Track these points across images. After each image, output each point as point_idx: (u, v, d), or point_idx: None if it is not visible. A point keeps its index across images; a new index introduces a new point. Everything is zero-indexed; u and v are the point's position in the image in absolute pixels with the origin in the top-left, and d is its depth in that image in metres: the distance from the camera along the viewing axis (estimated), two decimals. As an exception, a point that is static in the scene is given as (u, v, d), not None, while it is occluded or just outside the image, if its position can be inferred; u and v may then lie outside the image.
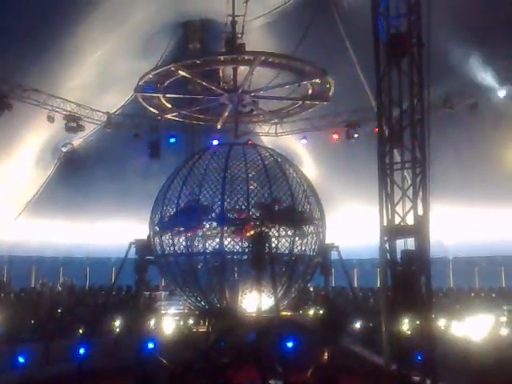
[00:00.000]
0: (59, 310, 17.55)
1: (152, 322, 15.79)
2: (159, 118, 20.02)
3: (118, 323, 16.35)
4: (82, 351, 12.88)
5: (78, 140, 22.36)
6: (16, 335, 14.20)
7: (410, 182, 10.51)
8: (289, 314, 14.13)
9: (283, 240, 13.06)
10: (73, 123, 20.59)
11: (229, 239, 12.92)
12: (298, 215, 12.97)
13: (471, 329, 13.62)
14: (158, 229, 13.50)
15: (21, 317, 15.61)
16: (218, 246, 12.81)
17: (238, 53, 15.44)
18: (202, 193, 13.14)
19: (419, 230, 10.15)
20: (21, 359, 11.70)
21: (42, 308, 17.49)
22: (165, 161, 20.48)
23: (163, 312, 16.32)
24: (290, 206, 12.98)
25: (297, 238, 13.05)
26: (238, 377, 11.44)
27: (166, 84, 17.45)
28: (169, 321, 15.21)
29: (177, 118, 19.98)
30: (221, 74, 18.10)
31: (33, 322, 15.79)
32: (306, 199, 13.44)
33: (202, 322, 14.59)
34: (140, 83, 17.08)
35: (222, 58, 15.66)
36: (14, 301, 18.15)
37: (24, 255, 22.27)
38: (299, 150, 22.92)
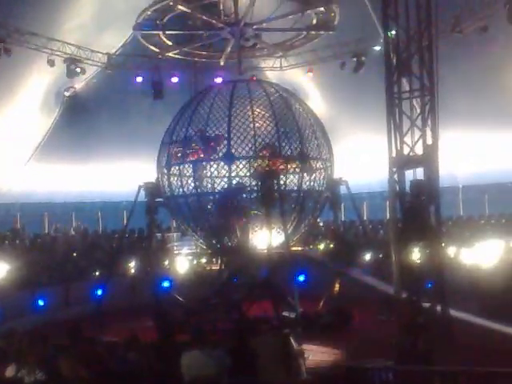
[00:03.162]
0: (74, 254, 17.95)
1: (166, 263, 16.16)
2: (160, 56, 19.68)
3: (133, 265, 16.78)
4: (99, 292, 13.26)
5: (80, 83, 22.10)
6: (34, 279, 14.62)
7: (418, 110, 10.39)
8: (299, 249, 14.39)
9: (291, 176, 13.11)
10: (73, 66, 20.24)
11: (237, 178, 13.00)
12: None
13: (481, 255, 13.82)
14: (166, 171, 13.57)
15: (37, 261, 16.03)
16: (226, 186, 12.88)
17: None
18: (208, 132, 13.11)
19: (428, 159, 10.15)
20: (40, 302, 12.08)
21: (58, 252, 17.90)
22: (169, 101, 20.22)
23: (176, 252, 16.67)
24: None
25: (305, 174, 13.07)
26: (252, 310, 11.78)
27: (165, 20, 17.01)
28: (182, 260, 15.56)
29: (178, 56, 19.60)
30: (221, 7, 17.57)
31: (50, 266, 16.20)
32: (313, 134, 13.37)
33: (214, 260, 14.91)
34: (138, 21, 16.65)
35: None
36: (29, 247, 18.54)
37: (35, 202, 22.54)
38: (305, 83, 22.52)
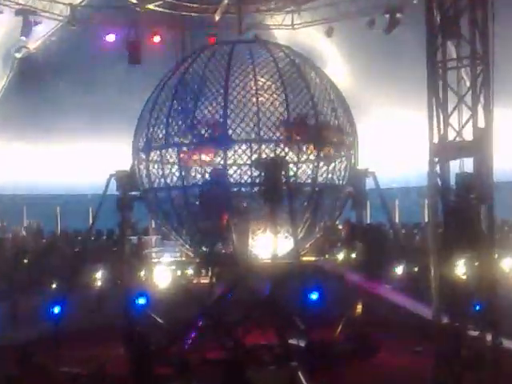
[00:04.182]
0: (25, 260, 18.03)
1: (142, 273, 16.24)
2: (138, 8, 19.69)
3: (99, 275, 16.85)
4: (56, 310, 13.32)
5: (34, 42, 22.12)
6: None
7: (468, 84, 10.38)
8: (312, 259, 14.42)
9: (304, 166, 13.13)
10: (27, 19, 20.28)
11: (234, 167, 13.03)
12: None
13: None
14: (144, 156, 13.62)
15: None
16: (213, 175, 12.94)
17: None
18: (199, 108, 13.15)
19: (480, 146, 10.13)
20: (-18, 321, 12.10)
21: (5, 258, 17.97)
22: (148, 67, 20.26)
23: (155, 260, 16.74)
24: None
25: (321, 163, 13.09)
26: (249, 337, 11.83)
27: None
28: (163, 271, 15.63)
29: (161, 9, 19.63)
30: None
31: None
32: (332, 112, 13.39)
33: (203, 271, 14.96)
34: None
35: None
36: (-33, 250, 18.65)
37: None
38: (323, 46, 22.54)
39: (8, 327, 14.32)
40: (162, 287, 15.23)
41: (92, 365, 10.53)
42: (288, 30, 22.54)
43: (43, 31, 21.29)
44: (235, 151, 13.11)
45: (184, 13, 20.05)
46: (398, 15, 19.44)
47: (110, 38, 21.66)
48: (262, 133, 13.00)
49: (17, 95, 22.34)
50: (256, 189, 13.03)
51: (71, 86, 22.20)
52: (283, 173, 12.48)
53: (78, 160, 23.14)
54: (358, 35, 20.92)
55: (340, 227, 19.04)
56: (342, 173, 13.55)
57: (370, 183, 14.17)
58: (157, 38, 21.68)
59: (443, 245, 10.01)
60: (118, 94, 22.08)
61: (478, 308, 10.04)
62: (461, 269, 10.35)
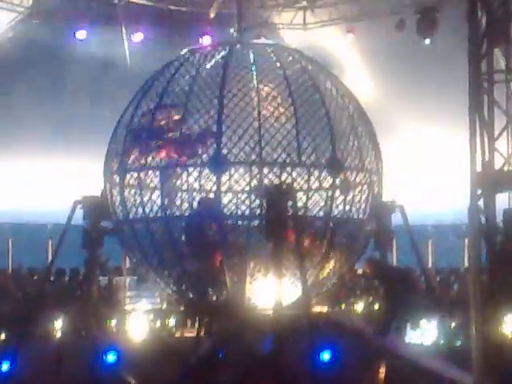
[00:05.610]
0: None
1: (113, 323, 16.18)
2: (117, 1, 19.90)
3: (59, 324, 16.77)
4: (5, 367, 13.28)
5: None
6: None
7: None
8: (325, 310, 14.38)
9: (316, 195, 13.16)
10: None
11: (229, 195, 13.06)
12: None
13: None
14: (118, 178, 13.67)
15: None
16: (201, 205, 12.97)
17: None
18: (187, 122, 13.25)
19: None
20: None
21: None
22: (126, 71, 20.40)
23: (129, 307, 16.70)
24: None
25: (337, 193, 13.13)
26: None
27: None
28: (138, 320, 15.60)
29: (145, 1, 19.84)
30: None
31: None
32: (352, 130, 13.48)
33: (189, 322, 14.90)
34: None
35: None
36: None
37: None
38: (342, 50, 22.74)
39: None
40: (137, 341, 15.20)
41: None
42: (299, 31, 22.74)
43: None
44: (231, 175, 13.17)
45: (173, 7, 20.25)
46: (435, 15, 19.63)
47: (81, 34, 21.83)
48: (264, 154, 13.08)
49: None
50: (256, 222, 13.10)
51: (31, 92, 22.31)
52: (290, 203, 12.53)
53: (37, 182, 23.15)
54: (384, 38, 21.10)
55: (360, 271, 19.02)
56: (363, 205, 13.58)
57: (397, 219, 14.25)
58: (138, 36, 21.86)
59: (487, 296, 10.02)
60: (88, 103, 22.21)
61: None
62: (509, 327, 10.34)
